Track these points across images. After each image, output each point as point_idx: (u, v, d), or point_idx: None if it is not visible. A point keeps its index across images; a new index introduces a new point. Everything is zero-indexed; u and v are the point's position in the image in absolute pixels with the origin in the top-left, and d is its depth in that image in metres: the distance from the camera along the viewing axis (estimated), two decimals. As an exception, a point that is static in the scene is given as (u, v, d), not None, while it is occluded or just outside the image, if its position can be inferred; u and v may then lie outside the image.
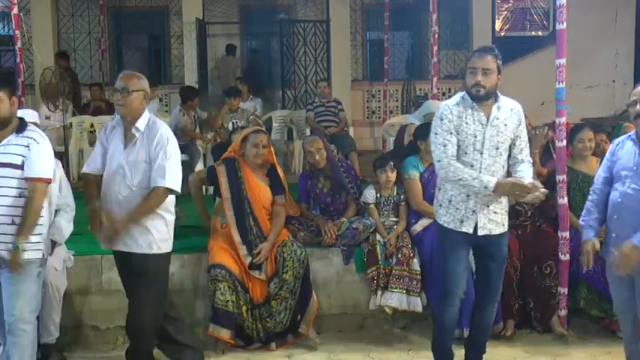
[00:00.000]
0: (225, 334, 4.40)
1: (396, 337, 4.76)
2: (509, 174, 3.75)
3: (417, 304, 4.61)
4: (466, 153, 3.66)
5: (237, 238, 4.60)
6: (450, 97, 5.76)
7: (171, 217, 3.84)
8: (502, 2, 11.84)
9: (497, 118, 3.67)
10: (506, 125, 3.68)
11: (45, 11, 11.46)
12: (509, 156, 3.77)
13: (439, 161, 3.66)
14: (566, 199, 4.59)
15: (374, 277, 4.67)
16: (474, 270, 4.06)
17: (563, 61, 4.46)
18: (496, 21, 11.82)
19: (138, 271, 3.76)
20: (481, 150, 3.65)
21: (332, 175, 5.14)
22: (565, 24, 4.43)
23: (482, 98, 3.64)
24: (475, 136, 3.64)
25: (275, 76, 13.05)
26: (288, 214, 4.88)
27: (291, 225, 4.87)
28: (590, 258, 3.56)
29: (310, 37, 11.18)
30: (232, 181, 4.69)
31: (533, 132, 5.37)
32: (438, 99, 7.57)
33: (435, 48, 7.60)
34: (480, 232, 3.70)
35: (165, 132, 3.75)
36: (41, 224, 3.57)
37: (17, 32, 6.71)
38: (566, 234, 4.59)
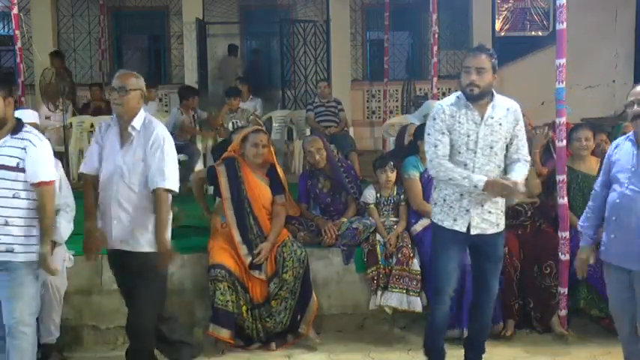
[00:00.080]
0: (225, 334, 4.40)
1: (396, 337, 4.76)
2: (506, 174, 3.75)
3: (417, 304, 4.61)
4: (460, 152, 3.67)
5: (237, 237, 4.60)
6: (449, 97, 5.76)
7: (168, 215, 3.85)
8: (502, 2, 11.83)
9: (492, 117, 3.67)
10: (500, 125, 3.67)
11: (45, 11, 11.45)
12: (506, 156, 3.77)
13: (431, 161, 3.70)
14: (566, 199, 4.59)
15: (374, 277, 4.68)
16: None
17: (563, 61, 4.47)
18: (496, 21, 11.81)
19: (139, 270, 3.76)
20: (475, 149, 3.65)
21: (332, 175, 5.14)
22: (565, 24, 4.43)
23: (476, 97, 3.64)
24: (468, 136, 3.65)
25: (275, 76, 13.05)
26: (288, 214, 4.88)
27: (291, 225, 4.87)
28: (584, 267, 3.70)
29: (310, 37, 11.17)
30: (232, 181, 4.69)
31: (534, 132, 5.37)
32: (438, 99, 7.54)
33: (435, 48, 7.61)
34: (473, 232, 3.70)
35: (161, 131, 3.76)
36: (36, 226, 3.53)
37: (17, 32, 6.72)
38: (566, 234, 4.59)
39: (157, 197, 3.69)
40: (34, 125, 4.15)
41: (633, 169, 3.39)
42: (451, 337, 4.49)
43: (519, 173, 3.68)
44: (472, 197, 3.66)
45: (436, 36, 7.56)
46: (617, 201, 3.44)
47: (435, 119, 3.70)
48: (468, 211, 3.68)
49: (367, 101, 11.86)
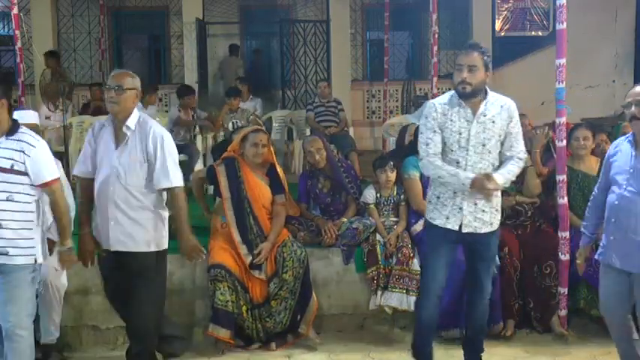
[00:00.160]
0: (224, 334, 4.40)
1: (396, 337, 4.75)
2: None
3: (417, 304, 4.61)
4: (452, 150, 3.66)
5: (237, 237, 4.60)
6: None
7: (165, 214, 3.87)
8: (502, 2, 11.82)
9: (485, 115, 3.66)
10: (494, 122, 3.66)
11: (45, 11, 11.45)
12: (501, 153, 3.74)
13: (421, 159, 3.71)
14: (566, 199, 4.59)
15: (374, 277, 4.67)
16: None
17: (563, 61, 4.46)
18: (496, 21, 11.80)
19: (138, 270, 3.76)
20: (467, 147, 3.64)
21: (332, 175, 5.14)
22: (565, 24, 4.43)
23: (469, 95, 3.64)
24: (460, 133, 3.64)
25: (275, 76, 13.05)
26: (288, 214, 4.88)
27: (291, 225, 4.87)
28: (581, 266, 3.78)
29: (310, 37, 11.17)
30: (232, 181, 4.69)
31: (534, 132, 5.37)
32: (438, 99, 7.56)
33: (435, 48, 7.59)
34: (465, 230, 3.68)
35: (157, 129, 3.77)
36: (31, 229, 3.50)
37: (17, 32, 6.70)
38: (566, 234, 4.59)
39: (171, 197, 3.78)
40: (34, 126, 4.16)
41: (632, 170, 3.38)
42: (451, 337, 4.51)
43: (506, 171, 3.64)
44: (465, 195, 3.65)
45: (436, 36, 7.54)
46: (616, 203, 3.43)
47: (427, 117, 3.71)
48: (461, 209, 3.67)
49: (367, 101, 11.85)
